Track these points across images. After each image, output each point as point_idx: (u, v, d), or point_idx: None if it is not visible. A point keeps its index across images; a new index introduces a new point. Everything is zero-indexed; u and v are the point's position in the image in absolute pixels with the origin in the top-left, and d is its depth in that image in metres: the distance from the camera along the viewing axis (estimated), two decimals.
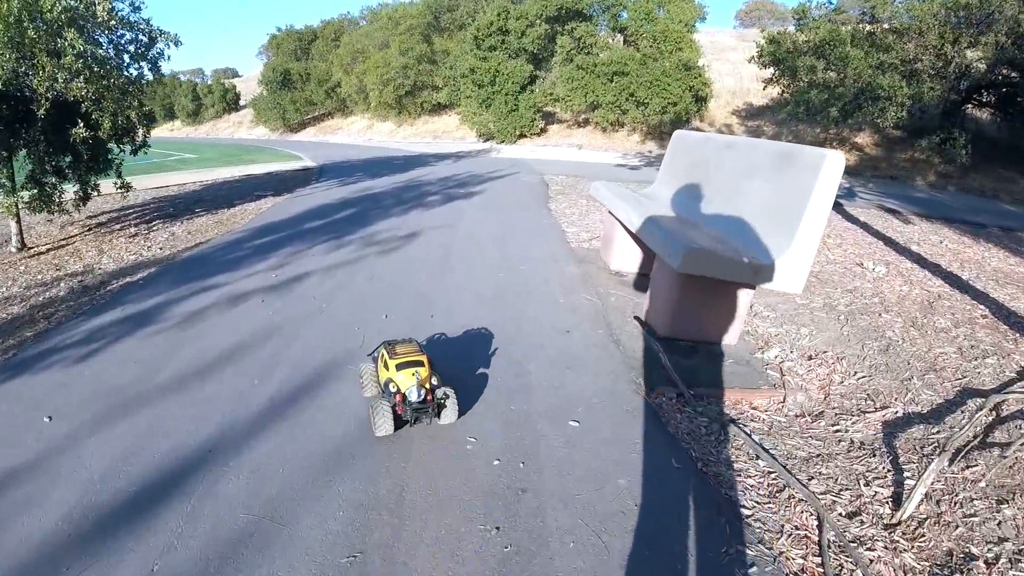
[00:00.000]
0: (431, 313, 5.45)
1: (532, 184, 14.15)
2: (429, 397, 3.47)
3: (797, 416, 4.03)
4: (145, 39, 9.23)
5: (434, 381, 3.59)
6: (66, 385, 4.16)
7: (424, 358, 3.62)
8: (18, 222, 9.10)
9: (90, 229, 10.62)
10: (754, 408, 4.11)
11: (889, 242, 9.16)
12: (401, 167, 18.72)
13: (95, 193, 10.24)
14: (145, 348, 4.76)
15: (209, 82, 71.64)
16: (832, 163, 4.13)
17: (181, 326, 5.21)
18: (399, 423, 3.51)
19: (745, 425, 3.86)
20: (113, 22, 8.31)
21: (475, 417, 3.77)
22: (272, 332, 5.01)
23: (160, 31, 9.26)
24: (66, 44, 7.54)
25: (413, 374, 3.46)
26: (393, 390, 3.48)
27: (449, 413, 3.53)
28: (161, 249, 8.47)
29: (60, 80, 7.69)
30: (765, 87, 21.68)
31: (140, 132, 10.39)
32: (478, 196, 12.17)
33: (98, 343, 4.88)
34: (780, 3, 70.15)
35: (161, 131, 76.65)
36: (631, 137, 25.58)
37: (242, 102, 63.26)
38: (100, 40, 8.70)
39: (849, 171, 18.02)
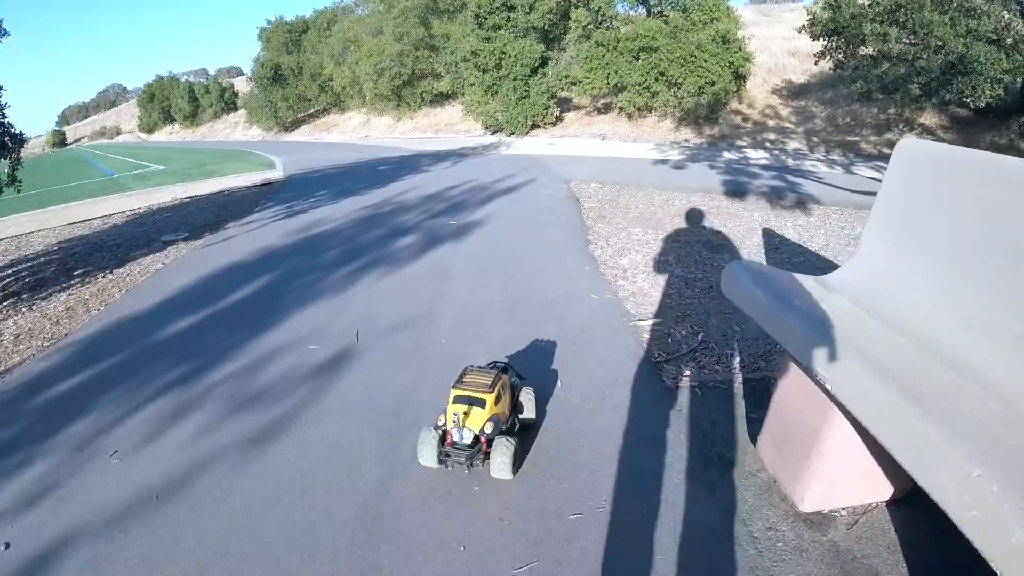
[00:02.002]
0: None
1: (556, 201, 9.87)
2: (483, 441, 2.89)
3: None
4: None
5: (487, 429, 2.86)
6: None
7: (489, 397, 2.91)
8: None
9: None
10: None
11: None
12: (384, 177, 14.45)
13: None
14: None
15: (207, 82, 67.38)
16: None
17: None
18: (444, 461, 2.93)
19: None
20: None
21: None
22: None
23: None
24: None
25: (463, 415, 2.88)
26: (440, 423, 2.96)
27: (498, 465, 2.83)
28: None
29: None
30: (817, 61, 17.73)
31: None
32: (476, 232, 7.94)
33: None
34: None
35: (161, 135, 73.61)
36: (662, 124, 21.15)
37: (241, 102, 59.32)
38: None
39: None
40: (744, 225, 7.96)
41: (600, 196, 10.14)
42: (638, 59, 19.91)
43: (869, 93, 15.59)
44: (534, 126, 23.41)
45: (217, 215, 11.04)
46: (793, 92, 21.90)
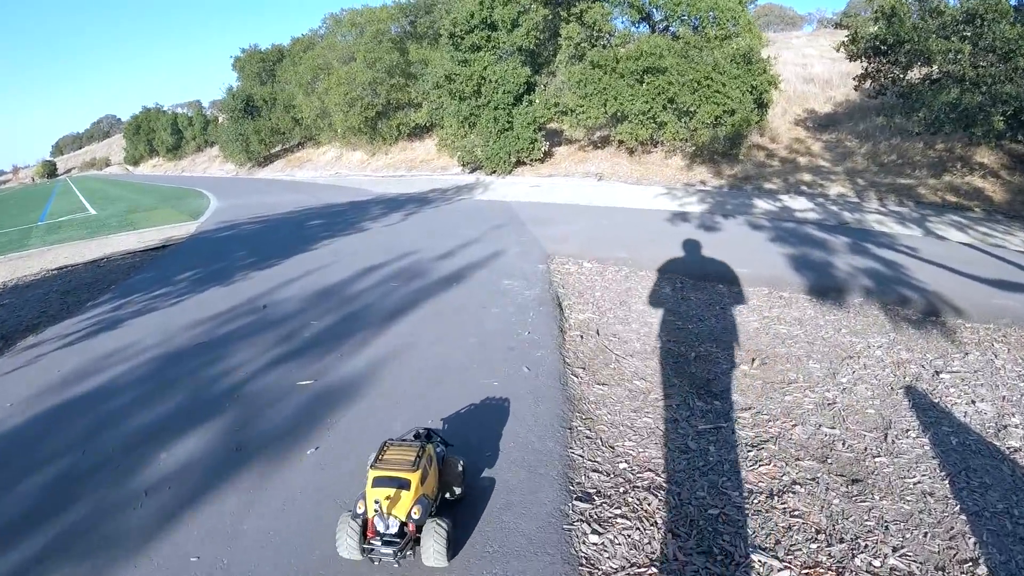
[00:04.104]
0: None
1: (523, 308, 5.84)
2: (411, 528, 2.48)
3: None
4: None
5: (415, 514, 2.45)
6: None
7: (414, 476, 2.53)
8: None
9: None
10: None
11: None
12: (299, 241, 10.47)
13: None
14: None
15: (190, 114, 63.62)
16: None
17: None
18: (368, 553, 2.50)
19: None
20: None
21: None
22: None
23: None
24: None
25: (386, 502, 2.45)
26: (360, 511, 2.51)
27: (431, 552, 2.45)
28: None
29: None
30: (858, 85, 14.54)
31: None
32: (329, 432, 3.84)
33: None
34: (789, 7, 62.90)
35: (145, 167, 70.04)
36: (670, 161, 17.15)
37: None
38: None
39: (1003, 211, 10.36)
40: (872, 377, 4.18)
41: (599, 294, 6.12)
42: (642, 83, 16.02)
43: (938, 125, 11.83)
44: (519, 163, 19.41)
45: (20, 320, 7.13)
46: (820, 123, 18.10)
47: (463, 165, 21.18)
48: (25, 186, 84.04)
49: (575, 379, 4.22)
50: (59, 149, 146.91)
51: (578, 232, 9.47)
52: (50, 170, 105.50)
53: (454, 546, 2.58)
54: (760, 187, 13.95)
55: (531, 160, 19.28)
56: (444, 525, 2.48)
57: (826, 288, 5.98)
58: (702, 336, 4.90)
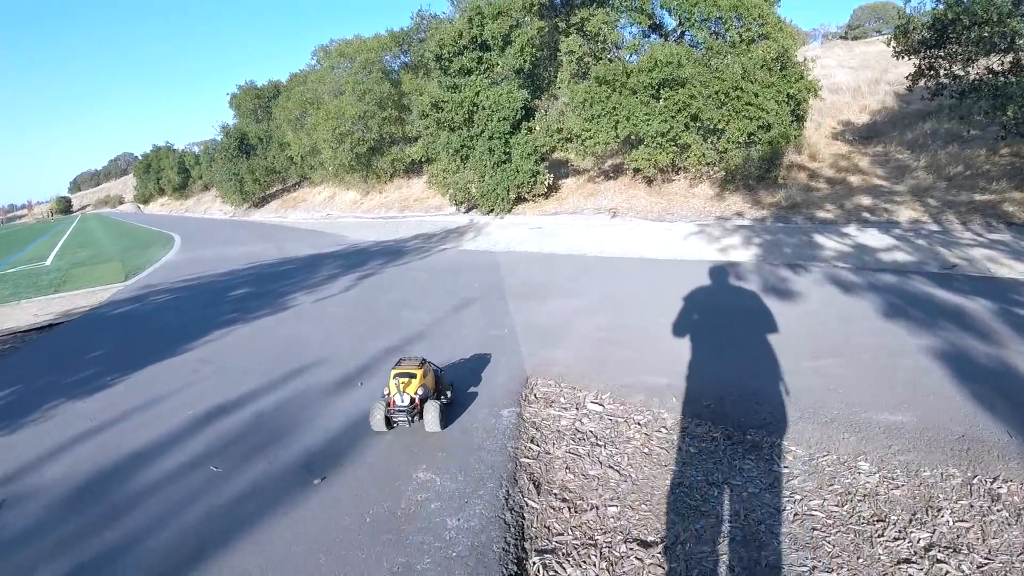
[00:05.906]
0: None
1: None
2: (417, 402, 3.87)
3: None
4: None
5: (419, 392, 3.88)
6: None
7: (419, 372, 3.96)
8: None
9: None
10: None
11: None
12: (198, 324, 7.71)
13: None
14: None
15: (198, 153, 61.52)
16: None
17: None
18: (390, 423, 3.93)
19: None
20: None
21: None
22: None
23: None
24: None
25: (402, 383, 3.87)
26: (385, 392, 3.97)
27: (430, 421, 3.81)
28: None
29: None
30: (912, 85, 12.29)
31: None
32: None
33: None
34: (792, 22, 60.55)
35: (155, 206, 68.44)
36: (695, 190, 14.20)
37: None
38: None
39: None
40: None
41: (614, 517, 3.19)
42: (658, 98, 13.20)
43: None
44: (519, 199, 16.56)
45: None
46: (860, 135, 15.30)
47: (456, 204, 18.32)
48: (38, 221, 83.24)
49: None
50: (77, 185, 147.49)
51: (583, 312, 6.55)
52: (64, 207, 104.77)
53: (446, 420, 3.96)
54: (813, 217, 11.08)
55: (533, 196, 16.44)
56: (437, 402, 3.88)
57: None
58: None
